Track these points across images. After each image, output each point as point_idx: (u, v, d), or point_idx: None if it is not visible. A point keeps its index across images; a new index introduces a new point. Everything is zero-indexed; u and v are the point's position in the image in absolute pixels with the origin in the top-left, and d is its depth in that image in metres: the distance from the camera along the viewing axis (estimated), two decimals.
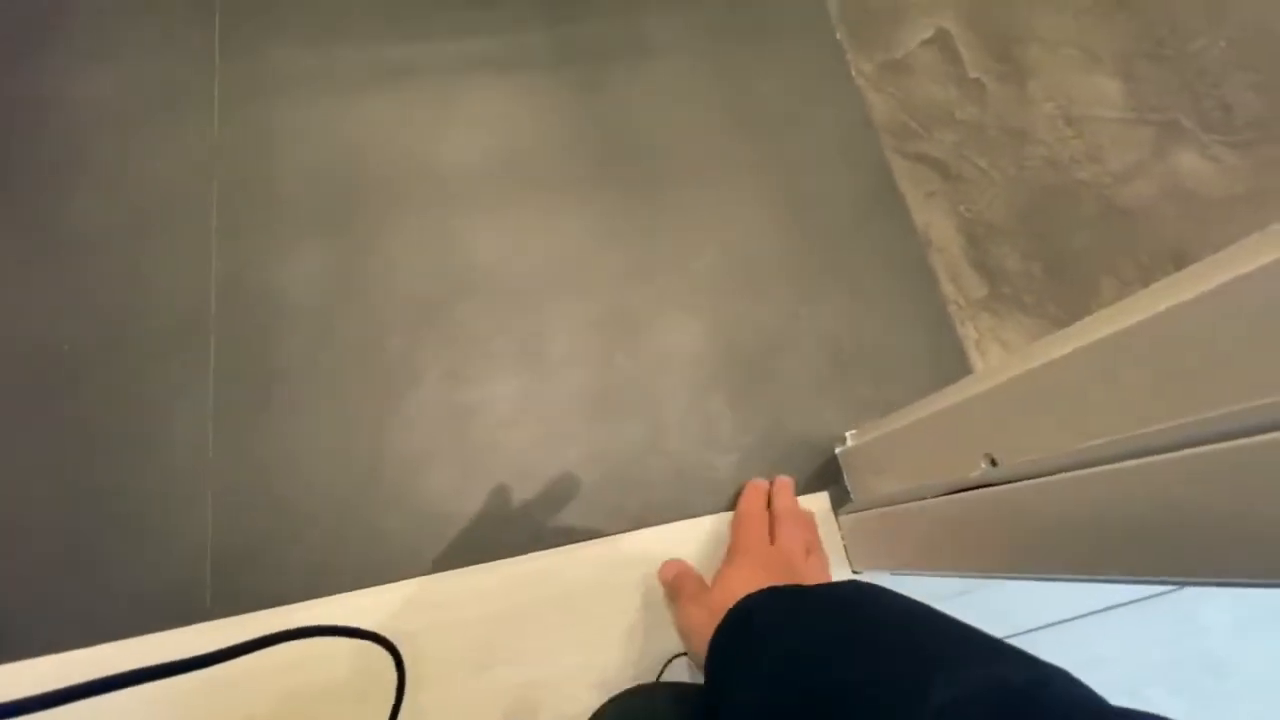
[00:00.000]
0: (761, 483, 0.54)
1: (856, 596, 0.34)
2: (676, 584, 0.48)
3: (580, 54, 0.69)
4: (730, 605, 0.37)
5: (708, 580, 0.48)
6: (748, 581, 0.40)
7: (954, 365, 0.61)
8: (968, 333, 0.62)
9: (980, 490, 0.36)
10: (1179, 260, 0.67)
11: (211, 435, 0.56)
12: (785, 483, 0.54)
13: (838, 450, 0.56)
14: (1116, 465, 0.27)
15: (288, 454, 0.55)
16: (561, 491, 0.55)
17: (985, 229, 0.66)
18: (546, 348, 0.59)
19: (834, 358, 0.61)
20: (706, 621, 0.39)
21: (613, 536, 0.53)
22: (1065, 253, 0.66)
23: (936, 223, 0.66)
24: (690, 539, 0.53)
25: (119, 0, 0.69)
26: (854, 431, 0.56)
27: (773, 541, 0.49)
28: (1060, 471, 0.30)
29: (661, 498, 0.55)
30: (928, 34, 0.74)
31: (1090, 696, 0.23)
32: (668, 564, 0.51)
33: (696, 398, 0.58)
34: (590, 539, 0.53)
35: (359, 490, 0.54)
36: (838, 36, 0.72)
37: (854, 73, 0.71)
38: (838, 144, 0.68)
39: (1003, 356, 0.62)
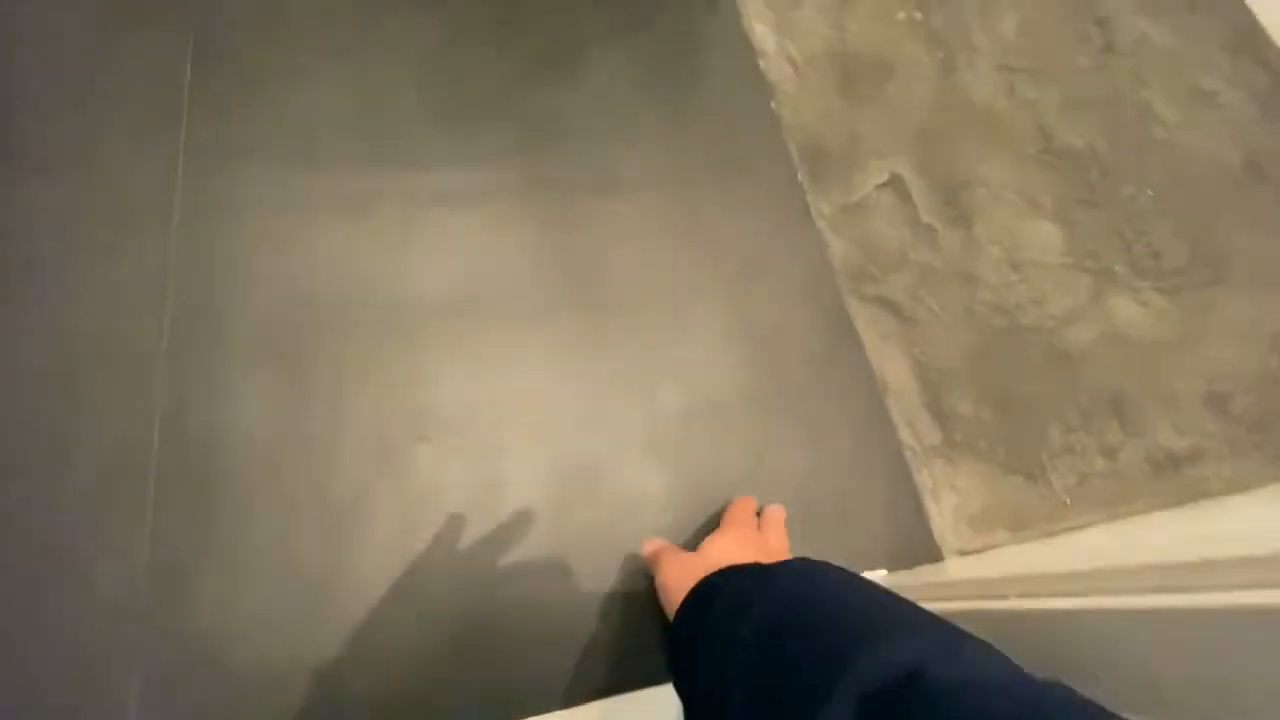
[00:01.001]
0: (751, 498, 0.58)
1: (804, 579, 0.37)
2: (658, 553, 0.51)
3: (550, 187, 0.70)
4: (708, 568, 0.42)
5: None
6: (728, 551, 0.46)
7: (910, 514, 0.62)
8: (923, 480, 0.64)
9: None
10: (1117, 404, 0.71)
11: (144, 590, 0.52)
12: (778, 508, 0.58)
13: None
14: None
15: (225, 615, 0.52)
16: (514, 658, 0.53)
17: (938, 373, 0.68)
18: (503, 498, 0.58)
19: (797, 503, 0.61)
20: (682, 580, 0.43)
21: (569, 711, 0.51)
22: (1014, 397, 0.69)
23: (892, 366, 0.68)
24: (654, 708, 0.51)
25: (73, 102, 0.68)
26: None
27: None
28: None
29: (620, 661, 0.54)
30: (882, 178, 0.78)
31: (996, 667, 0.25)
32: (650, 541, 0.55)
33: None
34: (547, 711, 0.51)
35: (300, 660, 0.51)
36: (799, 178, 0.76)
37: (814, 214, 0.74)
38: (799, 284, 0.70)
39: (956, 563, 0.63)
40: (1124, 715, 0.20)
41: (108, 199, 0.64)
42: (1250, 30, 1.03)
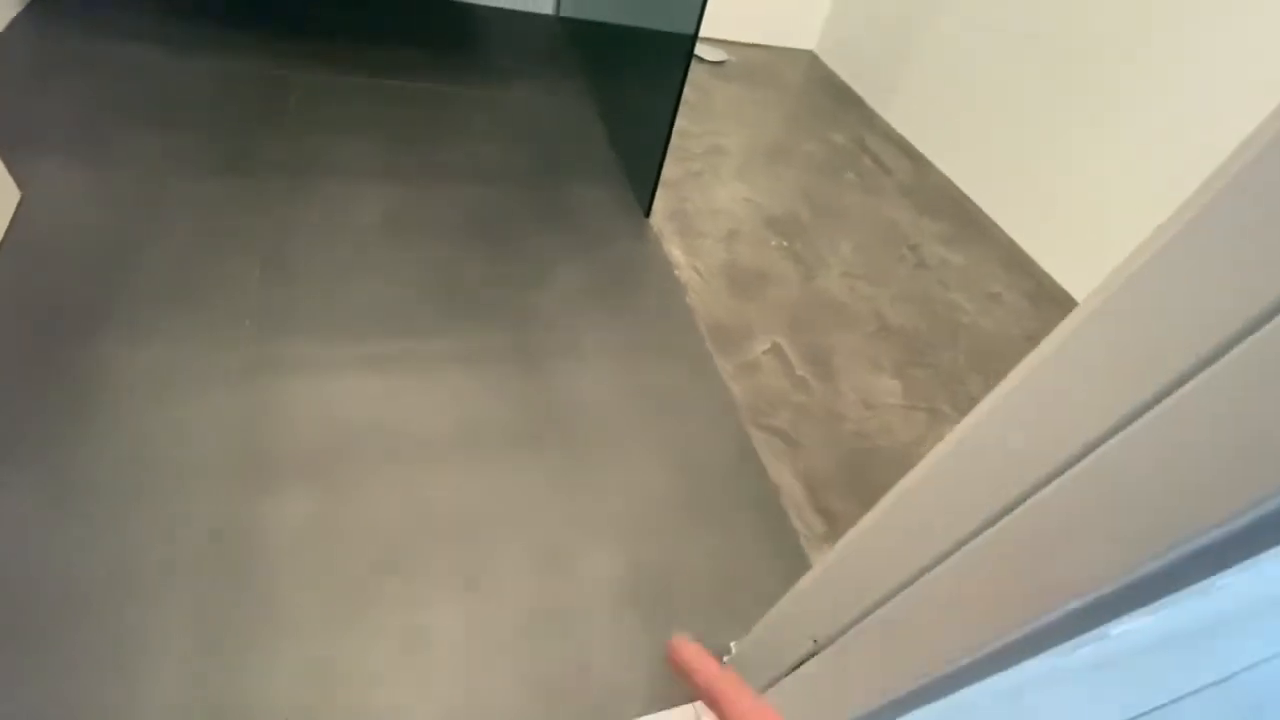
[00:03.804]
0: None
1: None
2: (719, 693, 0.27)
3: (531, 353, 0.95)
4: None
5: None
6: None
7: None
8: (815, 560, 0.82)
9: (808, 663, 0.52)
10: None
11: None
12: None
13: (725, 659, 0.70)
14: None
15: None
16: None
17: (819, 481, 0.91)
18: (490, 577, 0.73)
19: (720, 581, 0.78)
20: None
21: None
22: (876, 496, 0.91)
23: (785, 477, 0.90)
24: None
25: (167, 299, 0.90)
26: (736, 642, 0.71)
27: None
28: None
29: None
30: (766, 346, 1.07)
31: None
32: (690, 651, 0.27)
33: (615, 615, 0.73)
34: None
35: None
36: (707, 347, 1.04)
37: (720, 370, 1.01)
38: (713, 420, 0.94)
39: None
40: None
41: (189, 362, 0.84)
42: (1017, 253, 1.48)
